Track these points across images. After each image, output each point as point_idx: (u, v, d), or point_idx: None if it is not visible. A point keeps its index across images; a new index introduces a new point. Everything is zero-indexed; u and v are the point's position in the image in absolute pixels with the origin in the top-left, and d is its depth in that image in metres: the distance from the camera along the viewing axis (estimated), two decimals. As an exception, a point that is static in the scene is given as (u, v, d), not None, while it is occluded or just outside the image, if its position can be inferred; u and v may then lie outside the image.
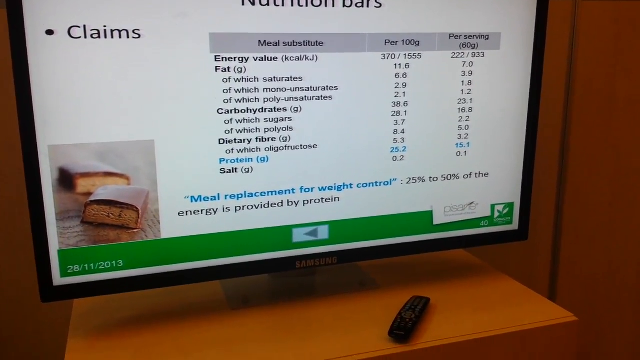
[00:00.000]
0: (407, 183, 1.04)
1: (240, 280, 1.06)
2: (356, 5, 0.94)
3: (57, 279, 0.87)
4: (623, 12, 1.32)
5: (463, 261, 1.22)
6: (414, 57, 1.00)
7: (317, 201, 0.99)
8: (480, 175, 1.09)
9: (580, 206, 1.41)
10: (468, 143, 1.07)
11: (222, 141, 0.91)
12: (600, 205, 1.42)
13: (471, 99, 1.05)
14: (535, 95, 1.09)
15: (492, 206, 1.12)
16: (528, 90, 1.09)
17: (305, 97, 0.95)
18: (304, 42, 0.93)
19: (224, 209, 0.94)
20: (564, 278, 1.44)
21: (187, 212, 0.91)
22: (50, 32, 0.80)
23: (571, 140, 1.38)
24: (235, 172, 0.93)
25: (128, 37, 0.83)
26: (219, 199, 0.93)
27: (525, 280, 1.40)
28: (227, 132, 0.91)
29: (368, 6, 0.95)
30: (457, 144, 1.06)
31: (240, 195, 0.94)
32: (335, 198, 1.00)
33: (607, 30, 1.33)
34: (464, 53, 1.03)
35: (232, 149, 0.92)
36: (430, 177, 1.06)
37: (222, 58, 0.89)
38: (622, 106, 1.37)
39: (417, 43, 1.00)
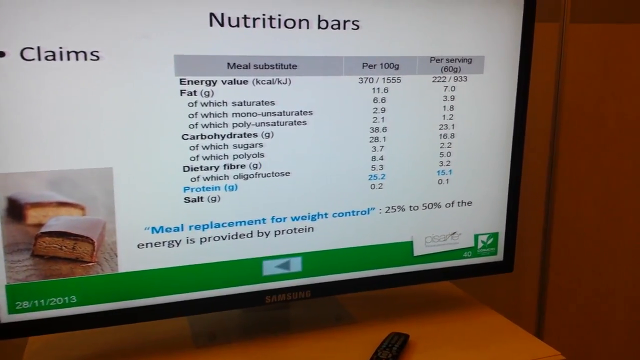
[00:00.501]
0: (386, 212, 0.99)
1: (208, 314, 1.00)
2: (332, 27, 0.90)
3: (5, 316, 0.81)
4: (611, 35, 1.29)
5: (446, 293, 1.17)
6: (393, 81, 0.96)
7: (289, 231, 0.94)
8: (463, 204, 1.05)
9: (568, 236, 1.36)
10: (450, 170, 1.02)
11: (186, 168, 0.86)
12: (589, 235, 1.37)
13: (453, 125, 1.01)
14: (521, 121, 1.05)
15: (476, 236, 1.07)
16: (513, 116, 1.05)
17: (278, 122, 0.90)
18: (276, 64, 0.88)
19: (187, 240, 0.88)
20: (552, 311, 1.39)
21: (147, 244, 0.86)
22: (1, 54, 0.75)
23: (559, 167, 1.34)
24: (201, 201, 0.88)
25: (86, 59, 0.78)
26: (182, 229, 0.87)
27: (512, 313, 1.35)
28: (192, 158, 0.86)
29: (345, 28, 0.91)
30: (438, 172, 1.02)
31: (206, 226, 0.89)
32: (309, 228, 0.95)
33: (595, 54, 1.30)
34: (445, 77, 0.99)
35: (198, 177, 0.87)
36: (410, 206, 1.01)
37: (188, 81, 0.84)
38: (611, 131, 1.33)
39: (396, 66, 0.95)
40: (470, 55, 1.00)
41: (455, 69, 0.99)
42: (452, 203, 1.04)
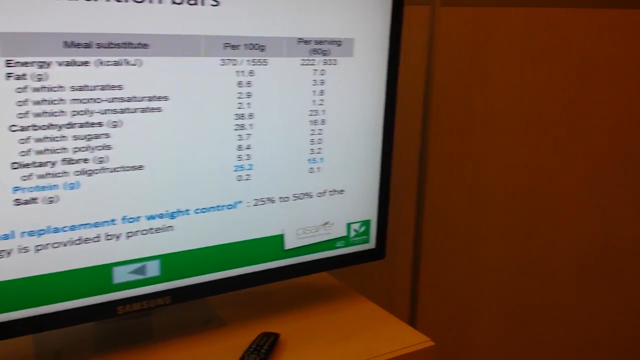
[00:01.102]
0: (255, 205, 0.93)
1: (56, 331, 0.88)
2: (188, 2, 0.81)
3: None
4: (481, 19, 1.30)
5: (321, 285, 1.13)
6: (259, 63, 0.88)
7: (144, 232, 0.84)
8: (335, 192, 1.01)
9: (439, 221, 1.38)
10: (321, 158, 0.98)
11: (16, 165, 0.73)
12: (460, 220, 1.40)
13: (324, 111, 0.96)
14: (391, 106, 1.02)
15: (348, 225, 1.04)
16: (384, 101, 1.02)
17: (127, 109, 0.79)
18: (123, 43, 0.77)
19: (20, 249, 0.76)
20: (425, 297, 1.41)
21: (-32, 256, 0.73)
22: None
23: (429, 152, 1.35)
24: (35, 202, 0.76)
25: None
26: (13, 237, 0.75)
27: (387, 301, 1.35)
28: (22, 153, 0.74)
29: (203, 4, 0.82)
30: (309, 160, 0.97)
31: (42, 232, 0.77)
32: (167, 227, 0.86)
33: (466, 37, 1.30)
34: (314, 60, 0.93)
35: (31, 175, 0.75)
36: (280, 197, 0.95)
37: (16, 63, 0.71)
38: (479, 116, 1.35)
39: (262, 48, 0.88)
40: (340, 37, 0.95)
41: (324, 52, 0.94)
42: (324, 192, 1.00)
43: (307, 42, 0.92)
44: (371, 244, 1.07)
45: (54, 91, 0.74)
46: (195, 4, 0.82)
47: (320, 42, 0.93)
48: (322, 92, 0.95)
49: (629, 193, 1.46)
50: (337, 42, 0.95)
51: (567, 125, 1.40)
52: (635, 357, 1.55)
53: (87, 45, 0.75)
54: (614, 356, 1.55)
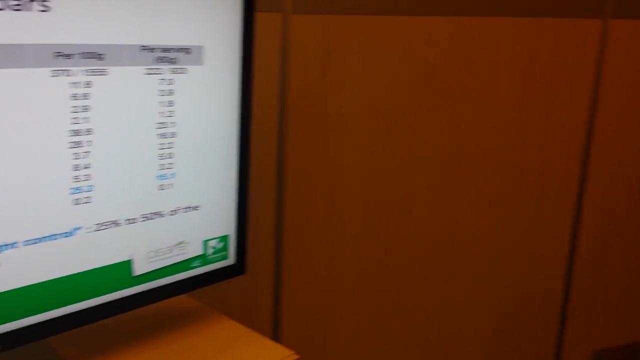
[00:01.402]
0: (97, 230, 0.84)
1: None
2: (13, 7, 0.70)
3: None
4: (332, 26, 1.30)
5: (178, 309, 1.07)
6: (97, 73, 0.80)
7: (-39, 272, 0.72)
8: (190, 209, 0.95)
9: (300, 232, 1.37)
10: (173, 174, 0.91)
11: None
12: (320, 227, 1.39)
13: (174, 123, 0.90)
14: (246, 116, 0.98)
15: (205, 242, 0.98)
16: (238, 110, 0.97)
17: None
18: None
19: None
20: (288, 310, 1.39)
21: None
22: None
23: (287, 163, 1.32)
24: None
25: None
26: None
27: (250, 317, 1.32)
28: None
29: (30, 9, 0.72)
30: (159, 176, 0.90)
31: None
32: (-9, 264, 0.75)
33: (318, 46, 1.30)
34: (161, 69, 0.86)
35: None
36: (126, 220, 0.87)
37: None
38: (334, 123, 1.35)
39: (100, 56, 0.80)
40: (188, 44, 0.89)
41: (171, 60, 0.87)
42: (177, 210, 0.93)
43: (151, 49, 0.85)
44: (231, 260, 1.02)
45: None
46: (19, 9, 0.71)
47: (166, 49, 0.86)
48: (170, 103, 0.89)
49: (473, 191, 1.55)
50: (186, 50, 0.89)
51: (415, 128, 1.45)
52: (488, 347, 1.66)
53: None
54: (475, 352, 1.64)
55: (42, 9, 0.73)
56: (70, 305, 0.83)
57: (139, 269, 0.90)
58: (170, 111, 0.89)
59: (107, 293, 0.87)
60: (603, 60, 1.63)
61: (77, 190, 0.81)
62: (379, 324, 1.51)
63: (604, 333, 1.80)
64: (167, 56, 0.87)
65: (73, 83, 0.78)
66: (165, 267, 0.93)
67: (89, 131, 0.81)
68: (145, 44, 0.84)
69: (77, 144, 0.80)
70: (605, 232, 1.76)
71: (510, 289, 1.66)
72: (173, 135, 0.90)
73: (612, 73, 1.65)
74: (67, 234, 0.81)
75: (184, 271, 0.96)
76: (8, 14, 0.71)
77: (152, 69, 0.85)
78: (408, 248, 1.50)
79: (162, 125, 0.88)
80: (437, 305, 1.57)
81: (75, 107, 0.79)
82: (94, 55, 0.79)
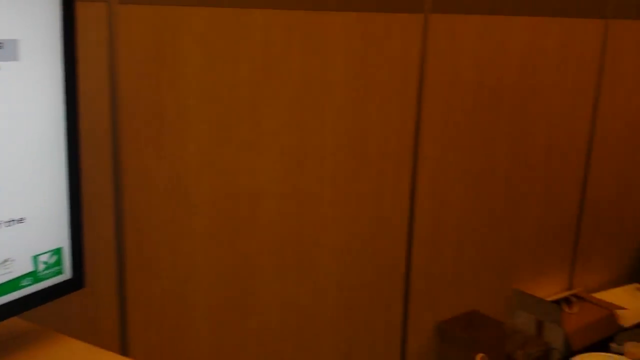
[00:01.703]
0: None
1: None
2: None
3: None
4: (164, 17, 1.24)
5: (8, 334, 0.96)
6: None
7: None
8: (13, 222, 0.86)
9: (141, 234, 1.29)
10: (-6, 185, 0.81)
11: None
12: (163, 229, 1.33)
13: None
14: (73, 115, 0.91)
15: (35, 258, 0.90)
16: (63, 110, 0.90)
17: None
18: None
19: None
20: (136, 318, 1.31)
21: None
22: None
23: (123, 162, 1.24)
24: None
25: None
26: None
27: (95, 334, 1.22)
28: None
29: None
30: (-26, 188, 0.79)
31: None
32: None
33: (150, 37, 1.23)
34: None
35: None
36: (-64, 240, 0.76)
37: None
38: (173, 118, 1.30)
39: None
40: (0, 38, 0.79)
41: (-21, 55, 0.77)
42: (-1, 224, 0.83)
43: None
44: (67, 274, 0.95)
45: None
46: None
47: (-27, 43, 0.77)
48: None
49: (318, 181, 1.59)
50: (-3, 44, 0.79)
51: (259, 120, 1.44)
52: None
53: None
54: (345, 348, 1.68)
55: None
56: None
57: (-45, 294, 0.79)
58: (-19, 113, 0.79)
59: None
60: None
61: None
62: (232, 323, 1.49)
63: (444, 305, 1.94)
64: (-25, 50, 0.77)
65: None
66: (-11, 289, 0.83)
67: None
68: (-57, 36, 0.73)
69: None
70: (437, 215, 1.89)
71: (357, 273, 1.72)
72: (-10, 141, 0.80)
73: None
74: None
75: (12, 291, 0.87)
76: None
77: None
78: (258, 241, 1.49)
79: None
80: (291, 295, 1.58)
81: None
82: None
